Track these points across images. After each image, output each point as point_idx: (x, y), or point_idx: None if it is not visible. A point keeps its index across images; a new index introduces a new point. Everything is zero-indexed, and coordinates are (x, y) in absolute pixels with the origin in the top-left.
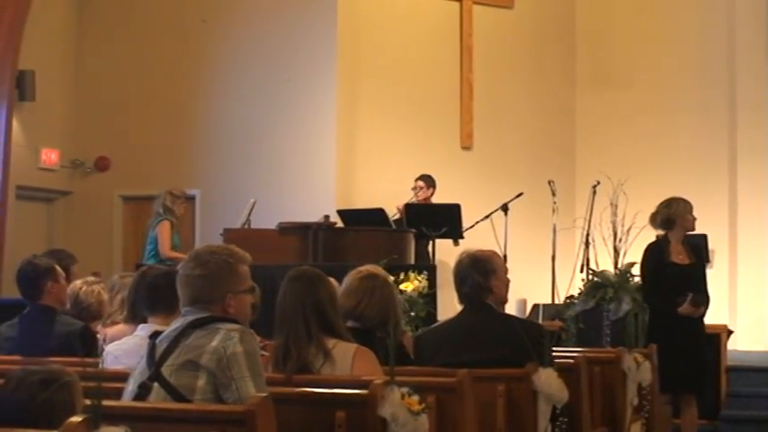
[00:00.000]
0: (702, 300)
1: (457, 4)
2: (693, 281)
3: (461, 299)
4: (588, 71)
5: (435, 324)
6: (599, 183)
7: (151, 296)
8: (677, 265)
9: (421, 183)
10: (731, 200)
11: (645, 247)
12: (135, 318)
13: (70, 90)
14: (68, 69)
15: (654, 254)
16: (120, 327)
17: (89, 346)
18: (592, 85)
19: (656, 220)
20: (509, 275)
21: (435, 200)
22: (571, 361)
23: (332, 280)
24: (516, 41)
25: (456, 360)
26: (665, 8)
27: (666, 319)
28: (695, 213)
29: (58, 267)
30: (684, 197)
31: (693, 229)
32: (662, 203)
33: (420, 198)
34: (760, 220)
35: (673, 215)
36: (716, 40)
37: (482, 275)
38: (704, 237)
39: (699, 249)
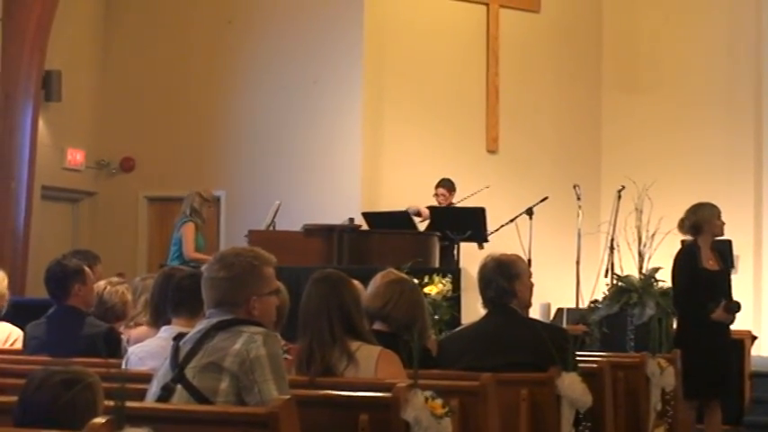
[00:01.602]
0: (737, 307)
1: (484, 7)
2: (723, 287)
3: (485, 302)
4: (614, 75)
5: (459, 327)
6: (624, 187)
7: (176, 298)
8: (708, 271)
9: (442, 190)
10: (757, 205)
11: (676, 252)
12: (158, 319)
13: (96, 90)
14: (95, 70)
15: (686, 259)
16: (144, 328)
17: (114, 347)
18: (618, 89)
19: (683, 225)
20: (533, 279)
21: (461, 203)
22: (595, 366)
23: (356, 282)
24: (543, 45)
25: (480, 364)
26: (693, 12)
27: (696, 325)
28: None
29: (87, 269)
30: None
31: (722, 234)
32: (689, 209)
33: (443, 204)
34: None
35: (699, 221)
36: (743, 44)
37: (506, 279)
38: (729, 242)
39: (726, 255)
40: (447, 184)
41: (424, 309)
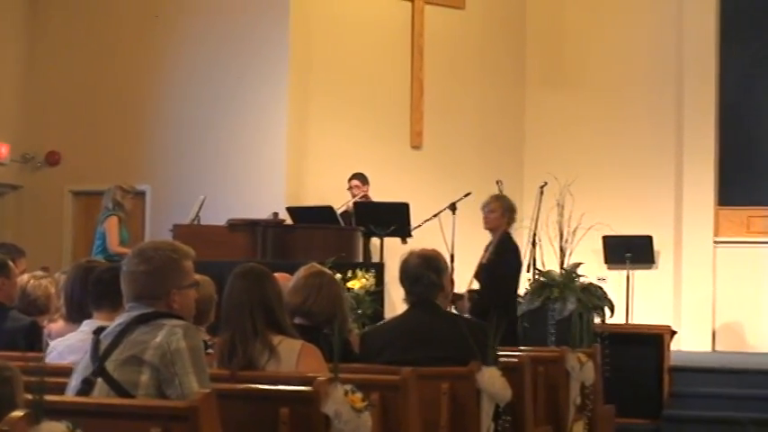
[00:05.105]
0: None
1: (409, 3)
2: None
3: (411, 298)
4: (538, 72)
5: (382, 321)
6: (546, 183)
7: (97, 291)
8: (479, 265)
9: (356, 182)
10: (677, 202)
11: None
12: (75, 314)
13: (21, 84)
14: (19, 63)
15: None
16: (63, 322)
17: (36, 341)
18: (541, 85)
19: None
20: (455, 274)
21: (386, 198)
22: (515, 360)
23: (286, 275)
24: (467, 42)
25: (401, 358)
26: (616, 10)
27: None
28: (641, 214)
29: (11, 263)
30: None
31: (486, 226)
32: None
33: (357, 195)
34: (704, 222)
35: None
36: (665, 43)
37: (436, 274)
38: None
39: (502, 246)
40: (360, 177)
41: (344, 302)
